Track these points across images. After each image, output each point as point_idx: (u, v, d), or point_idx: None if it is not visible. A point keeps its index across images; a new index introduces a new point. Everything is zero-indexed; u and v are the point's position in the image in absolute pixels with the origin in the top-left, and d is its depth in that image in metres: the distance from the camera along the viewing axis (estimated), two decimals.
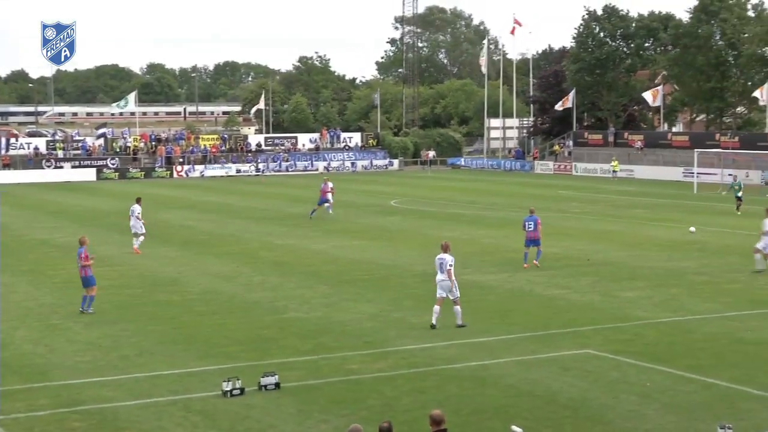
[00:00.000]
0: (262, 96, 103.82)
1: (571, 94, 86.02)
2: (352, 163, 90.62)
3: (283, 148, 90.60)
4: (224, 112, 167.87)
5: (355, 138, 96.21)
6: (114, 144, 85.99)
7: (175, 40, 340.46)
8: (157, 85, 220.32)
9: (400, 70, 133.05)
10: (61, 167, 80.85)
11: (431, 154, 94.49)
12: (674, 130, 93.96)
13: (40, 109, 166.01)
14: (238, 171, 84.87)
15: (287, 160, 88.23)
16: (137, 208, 36.35)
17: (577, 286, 28.56)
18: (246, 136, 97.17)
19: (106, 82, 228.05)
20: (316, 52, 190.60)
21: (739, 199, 49.07)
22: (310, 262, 33.44)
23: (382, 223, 45.50)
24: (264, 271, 31.65)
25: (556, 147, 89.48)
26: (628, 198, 58.76)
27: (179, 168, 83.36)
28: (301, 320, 24.22)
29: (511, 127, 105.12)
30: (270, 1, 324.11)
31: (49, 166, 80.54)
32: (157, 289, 28.66)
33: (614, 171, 75.65)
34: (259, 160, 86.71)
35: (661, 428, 15.86)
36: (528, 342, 21.61)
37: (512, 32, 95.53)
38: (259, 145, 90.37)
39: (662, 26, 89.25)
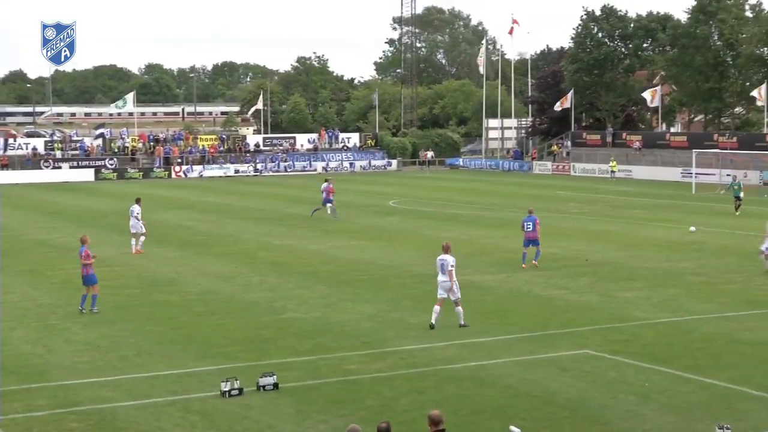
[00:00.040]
0: (261, 96, 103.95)
1: (570, 95, 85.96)
2: (351, 164, 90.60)
3: (281, 148, 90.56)
4: (222, 113, 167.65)
5: (354, 138, 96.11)
6: (112, 144, 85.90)
7: (174, 40, 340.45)
8: (156, 85, 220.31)
9: (398, 70, 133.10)
10: (60, 167, 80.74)
11: (429, 154, 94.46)
12: (672, 130, 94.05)
13: (39, 109, 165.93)
14: (237, 171, 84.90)
15: (285, 161, 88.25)
16: (137, 209, 36.31)
17: (575, 286, 28.57)
18: (244, 137, 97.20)
19: (105, 83, 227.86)
20: (315, 53, 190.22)
21: (738, 199, 49.04)
22: (308, 263, 33.44)
23: (381, 224, 45.50)
24: (262, 272, 31.65)
25: (555, 147, 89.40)
26: (626, 198, 58.76)
27: (177, 168, 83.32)
28: (300, 320, 24.22)
29: (510, 128, 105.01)
30: (268, 1, 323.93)
31: (47, 167, 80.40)
32: (156, 290, 28.65)
33: (612, 171, 75.64)
34: (257, 161, 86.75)
35: (659, 428, 15.87)
36: (526, 342, 21.61)
37: (510, 32, 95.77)
38: (257, 145, 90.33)
39: (660, 27, 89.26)
